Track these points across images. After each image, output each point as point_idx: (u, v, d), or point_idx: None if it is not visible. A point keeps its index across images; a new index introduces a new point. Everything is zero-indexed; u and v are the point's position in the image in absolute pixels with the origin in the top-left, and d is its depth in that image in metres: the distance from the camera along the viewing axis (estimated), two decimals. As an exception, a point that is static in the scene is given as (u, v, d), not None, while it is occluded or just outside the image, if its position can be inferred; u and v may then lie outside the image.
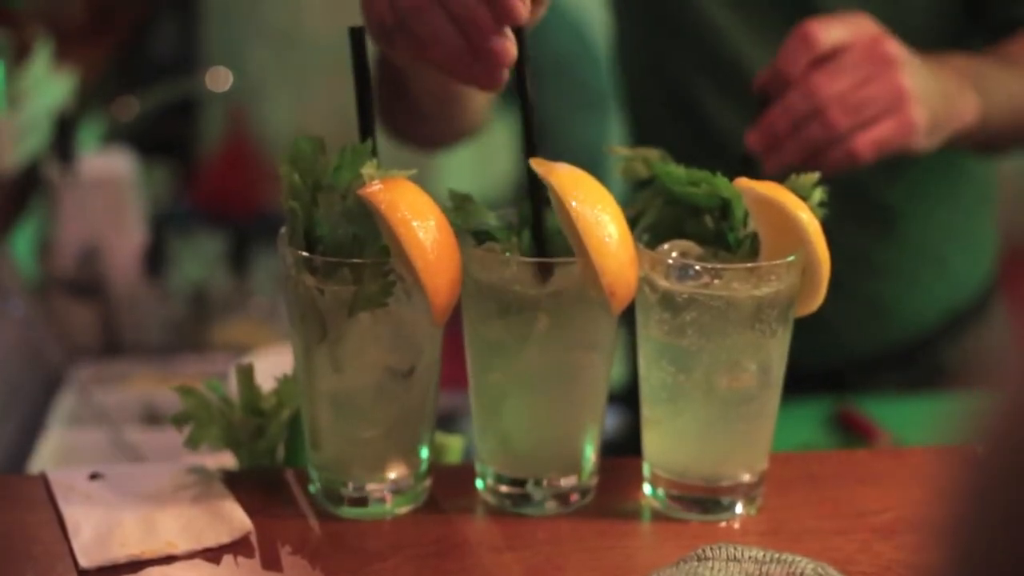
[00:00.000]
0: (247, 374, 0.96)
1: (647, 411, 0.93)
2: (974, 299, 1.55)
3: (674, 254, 0.90)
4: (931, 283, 1.51)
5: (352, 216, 0.85)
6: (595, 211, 0.85)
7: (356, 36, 0.89)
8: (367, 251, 0.86)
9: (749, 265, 0.88)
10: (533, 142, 0.89)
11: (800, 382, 1.14)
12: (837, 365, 1.52)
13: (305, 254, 0.86)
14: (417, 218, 0.84)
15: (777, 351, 0.91)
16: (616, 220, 0.85)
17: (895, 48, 1.06)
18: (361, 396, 0.89)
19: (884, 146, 1.05)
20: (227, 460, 1.00)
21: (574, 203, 0.85)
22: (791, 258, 0.88)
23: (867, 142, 1.04)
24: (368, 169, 0.85)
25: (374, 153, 0.88)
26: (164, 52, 3.01)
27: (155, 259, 1.97)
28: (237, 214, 2.43)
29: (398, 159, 0.92)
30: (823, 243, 0.89)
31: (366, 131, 0.91)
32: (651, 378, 0.92)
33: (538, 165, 0.87)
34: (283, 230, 0.88)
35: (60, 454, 1.47)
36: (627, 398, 1.32)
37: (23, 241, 2.00)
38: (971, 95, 1.12)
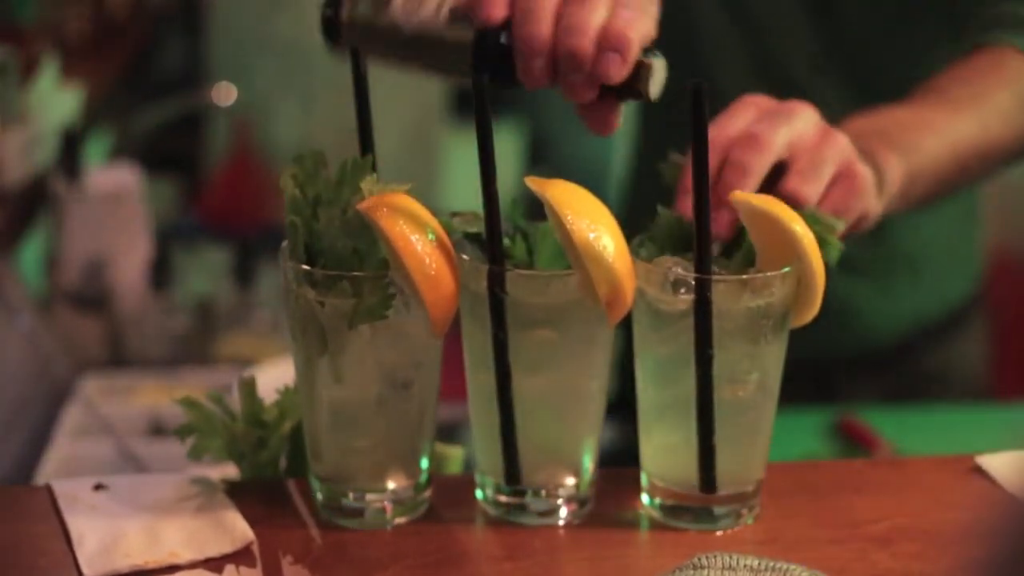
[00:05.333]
0: (250, 386, 0.97)
1: (644, 421, 0.94)
2: (949, 312, 1.54)
3: (670, 267, 0.91)
4: (903, 290, 1.50)
5: (352, 230, 0.87)
6: (590, 223, 0.86)
7: (356, 56, 0.91)
8: (367, 264, 0.87)
9: (744, 277, 0.89)
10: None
11: (796, 387, 1.14)
12: (820, 364, 1.52)
13: (306, 267, 0.87)
14: (416, 232, 0.85)
15: (773, 362, 0.92)
16: (612, 231, 0.87)
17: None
18: (362, 407, 0.90)
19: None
20: (230, 471, 1.01)
21: (569, 216, 0.86)
22: (786, 270, 0.89)
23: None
24: (368, 183, 0.87)
25: (374, 168, 0.89)
26: (170, 67, 3.03)
27: (161, 272, 1.98)
28: (242, 228, 2.44)
29: (398, 173, 0.93)
30: (818, 255, 0.90)
31: (366, 146, 0.92)
32: (648, 389, 0.93)
33: (532, 182, 0.88)
34: (284, 244, 0.89)
35: (66, 465, 1.49)
36: (624, 409, 1.33)
37: (30, 255, 2.01)
38: (891, 158, 1.05)
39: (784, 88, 1.09)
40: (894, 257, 1.49)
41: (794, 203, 0.93)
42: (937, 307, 1.53)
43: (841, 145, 0.99)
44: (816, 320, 1.46)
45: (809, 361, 1.49)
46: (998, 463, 1.00)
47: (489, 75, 0.88)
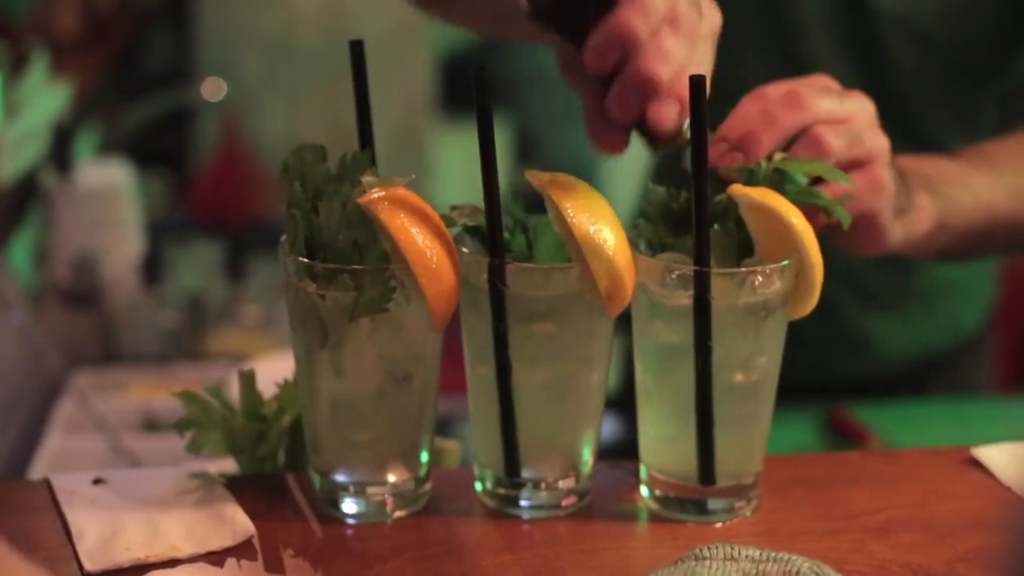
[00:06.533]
0: (249, 379, 0.97)
1: (643, 414, 0.94)
2: (961, 343, 1.54)
3: (667, 260, 0.91)
4: (917, 322, 1.50)
5: (352, 223, 0.87)
6: (590, 216, 0.86)
7: (356, 49, 0.91)
8: (367, 257, 0.87)
9: (743, 270, 0.89)
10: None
11: (789, 393, 1.14)
12: (823, 384, 1.52)
13: (306, 261, 0.87)
14: (416, 225, 0.85)
15: (772, 354, 0.92)
16: (612, 224, 0.87)
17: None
18: (362, 401, 0.90)
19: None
20: (226, 466, 1.01)
21: (569, 208, 0.86)
22: (785, 263, 0.89)
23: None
24: (368, 177, 0.87)
25: (373, 161, 0.89)
26: (159, 63, 3.03)
27: (151, 268, 1.98)
28: (232, 223, 2.44)
29: (397, 167, 0.93)
30: (816, 248, 0.90)
31: (365, 140, 0.92)
32: (647, 381, 0.93)
33: (532, 176, 0.89)
34: (284, 237, 0.89)
35: (59, 461, 1.48)
36: (623, 404, 1.33)
37: (21, 250, 2.01)
38: (925, 200, 1.05)
39: None
40: (910, 290, 1.48)
41: (815, 145, 0.92)
42: (949, 337, 1.53)
43: (882, 142, 0.97)
44: (828, 345, 1.46)
45: (815, 382, 1.49)
46: (993, 454, 1.00)
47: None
